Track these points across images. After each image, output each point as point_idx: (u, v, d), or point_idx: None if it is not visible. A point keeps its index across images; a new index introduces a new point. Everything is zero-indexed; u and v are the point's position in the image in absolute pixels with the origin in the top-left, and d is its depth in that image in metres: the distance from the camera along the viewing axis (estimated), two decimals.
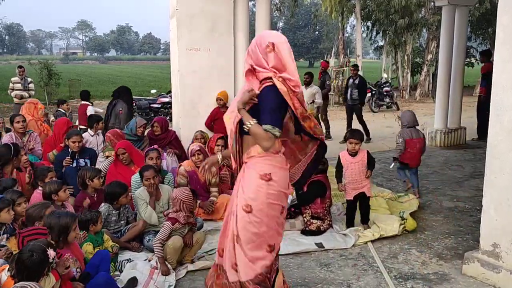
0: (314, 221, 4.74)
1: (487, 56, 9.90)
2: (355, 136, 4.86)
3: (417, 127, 5.90)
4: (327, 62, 12.29)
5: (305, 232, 4.77)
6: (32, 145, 6.37)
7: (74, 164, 5.55)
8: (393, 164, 6.09)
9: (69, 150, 5.60)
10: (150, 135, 6.56)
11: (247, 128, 2.76)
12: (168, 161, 6.04)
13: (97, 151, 6.14)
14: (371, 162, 4.85)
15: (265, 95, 2.78)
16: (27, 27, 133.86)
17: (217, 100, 6.68)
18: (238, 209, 2.83)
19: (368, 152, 4.92)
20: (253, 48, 2.87)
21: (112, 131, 6.30)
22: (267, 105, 2.76)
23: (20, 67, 11.28)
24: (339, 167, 4.93)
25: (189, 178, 5.24)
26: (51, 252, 2.75)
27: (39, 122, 7.43)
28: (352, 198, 4.84)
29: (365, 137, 7.76)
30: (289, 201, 4.85)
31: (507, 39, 3.49)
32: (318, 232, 4.72)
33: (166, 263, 3.86)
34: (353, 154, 4.83)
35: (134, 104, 9.53)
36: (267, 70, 2.81)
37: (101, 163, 5.68)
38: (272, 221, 2.85)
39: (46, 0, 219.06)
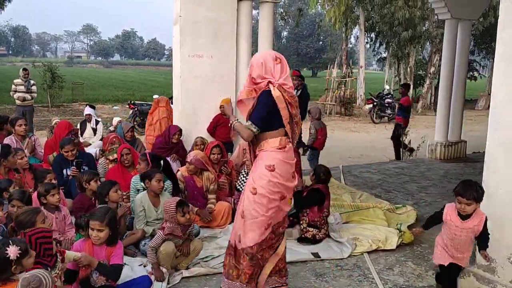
0: (311, 229, 4.73)
1: (407, 89, 10.61)
2: (467, 193, 3.32)
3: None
4: (299, 71, 11.73)
5: (301, 239, 4.76)
6: (33, 148, 6.41)
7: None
8: (308, 151, 7.72)
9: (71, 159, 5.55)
10: (162, 143, 6.48)
11: (231, 125, 3.42)
12: (174, 167, 6.04)
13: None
14: (483, 237, 3.44)
15: (260, 97, 3.35)
16: (33, 29, 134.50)
17: (220, 108, 6.69)
18: (247, 191, 3.41)
19: (486, 219, 3.43)
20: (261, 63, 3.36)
21: (112, 134, 6.36)
22: (257, 105, 3.34)
23: (24, 69, 11.32)
24: (436, 219, 3.65)
25: (186, 184, 5.24)
26: (11, 250, 2.65)
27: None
28: (445, 264, 3.58)
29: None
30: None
31: (507, 54, 3.50)
32: (313, 240, 4.71)
33: (161, 268, 3.86)
34: (464, 216, 3.43)
35: None
36: (266, 80, 3.35)
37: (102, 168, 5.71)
38: (271, 205, 3.38)
39: (52, 3, 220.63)
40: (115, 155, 5.67)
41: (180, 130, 6.53)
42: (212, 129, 6.75)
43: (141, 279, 3.65)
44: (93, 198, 4.66)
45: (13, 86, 11.04)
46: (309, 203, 4.77)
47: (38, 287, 2.51)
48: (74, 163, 5.44)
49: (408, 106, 9.97)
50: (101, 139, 7.70)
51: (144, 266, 4.07)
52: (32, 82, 11.15)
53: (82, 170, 5.29)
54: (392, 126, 14.36)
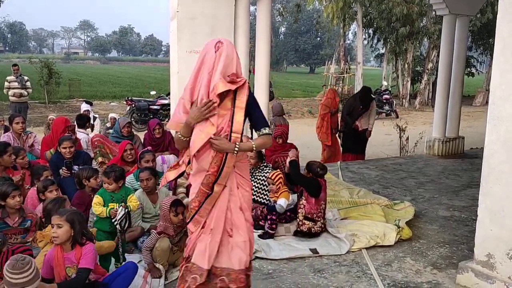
0: (307, 222, 4.70)
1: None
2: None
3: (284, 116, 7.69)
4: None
5: (297, 233, 4.75)
6: (31, 143, 6.41)
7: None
8: None
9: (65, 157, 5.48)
10: (149, 140, 6.52)
11: (236, 151, 2.83)
12: (172, 161, 6.02)
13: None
14: None
15: (254, 98, 2.95)
16: (30, 25, 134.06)
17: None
18: (247, 195, 2.98)
19: None
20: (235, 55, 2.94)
21: (97, 135, 6.36)
22: (257, 106, 2.95)
23: (14, 65, 11.32)
24: None
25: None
26: None
27: None
28: None
29: None
30: (285, 205, 4.83)
31: (506, 49, 3.49)
32: (309, 234, 4.69)
33: (157, 265, 3.85)
34: None
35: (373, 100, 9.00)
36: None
37: None
38: None
39: None
40: (100, 159, 5.89)
41: (160, 123, 6.52)
42: None
43: (124, 267, 3.47)
44: (91, 195, 4.64)
45: (6, 83, 11.00)
46: (305, 183, 4.76)
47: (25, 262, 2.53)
48: (64, 164, 5.36)
49: None
50: None
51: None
52: (26, 78, 11.11)
53: (72, 171, 5.23)
54: (389, 123, 14.39)
